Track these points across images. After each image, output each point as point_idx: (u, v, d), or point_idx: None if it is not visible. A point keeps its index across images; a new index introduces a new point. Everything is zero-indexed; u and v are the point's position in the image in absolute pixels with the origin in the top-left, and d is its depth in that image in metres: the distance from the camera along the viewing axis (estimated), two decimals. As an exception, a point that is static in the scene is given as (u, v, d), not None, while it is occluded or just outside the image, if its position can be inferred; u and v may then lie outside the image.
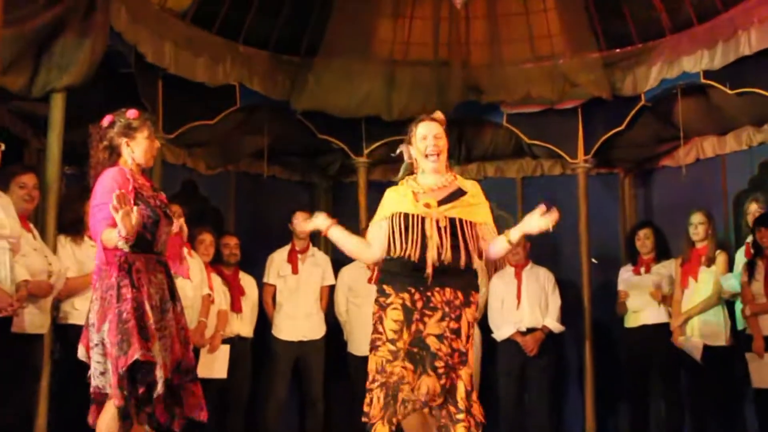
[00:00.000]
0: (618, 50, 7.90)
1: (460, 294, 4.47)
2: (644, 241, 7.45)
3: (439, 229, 4.46)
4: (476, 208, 4.58)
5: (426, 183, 4.62)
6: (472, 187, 4.64)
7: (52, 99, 6.00)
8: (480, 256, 4.61)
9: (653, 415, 7.51)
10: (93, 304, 4.29)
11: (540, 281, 7.58)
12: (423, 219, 4.47)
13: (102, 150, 4.40)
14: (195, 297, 6.59)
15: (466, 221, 4.51)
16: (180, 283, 6.27)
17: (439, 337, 4.39)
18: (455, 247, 4.47)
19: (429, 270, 4.42)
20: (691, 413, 7.22)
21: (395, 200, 4.61)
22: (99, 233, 4.21)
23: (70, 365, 4.65)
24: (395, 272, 4.51)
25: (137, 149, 4.45)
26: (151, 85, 7.05)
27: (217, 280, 7.03)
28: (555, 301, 7.58)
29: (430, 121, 4.68)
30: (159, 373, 4.17)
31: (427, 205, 4.51)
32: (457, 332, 4.42)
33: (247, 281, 7.36)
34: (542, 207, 4.48)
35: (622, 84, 7.84)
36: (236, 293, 7.21)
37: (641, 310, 7.34)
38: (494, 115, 8.21)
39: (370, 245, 4.64)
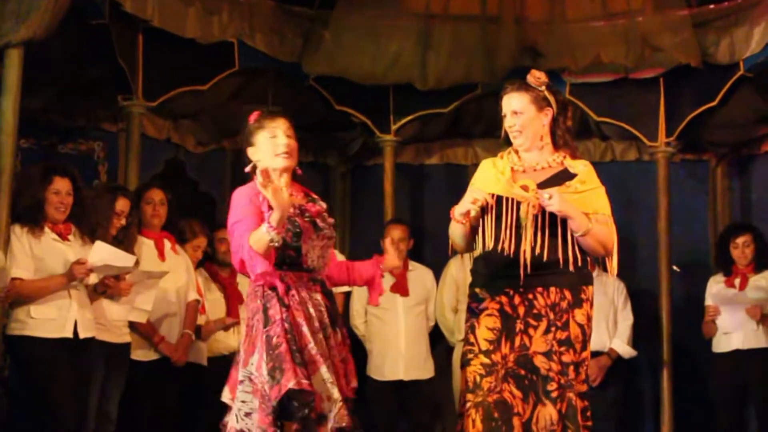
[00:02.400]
0: (712, 6, 7.85)
1: (567, 293, 4.48)
2: (743, 249, 7.43)
3: (536, 217, 4.45)
4: (587, 195, 4.53)
5: (528, 159, 4.62)
6: (583, 169, 4.59)
7: (6, 55, 5.99)
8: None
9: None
10: (241, 337, 4.55)
11: (608, 293, 7.56)
12: (518, 204, 4.46)
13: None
14: (179, 303, 6.58)
15: None
16: (162, 284, 6.28)
17: (547, 355, 4.43)
18: (554, 241, 4.44)
19: (523, 267, 4.41)
20: (795, 459, 7.20)
21: (491, 176, 4.59)
22: (244, 248, 4.34)
23: (27, 388, 4.64)
24: (489, 271, 4.54)
25: (257, 155, 4.60)
26: (129, 41, 7.07)
27: (208, 283, 7.00)
28: (626, 319, 7.59)
29: (512, 92, 4.64)
30: (327, 407, 4.35)
31: (525, 188, 4.48)
32: (566, 342, 4.44)
33: (246, 286, 7.32)
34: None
35: (716, 49, 7.81)
36: (232, 300, 7.17)
37: (734, 332, 7.32)
38: (555, 84, 8.13)
39: None
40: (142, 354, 6.37)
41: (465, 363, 4.51)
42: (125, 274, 5.91)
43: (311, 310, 4.46)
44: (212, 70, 7.58)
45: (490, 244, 4.50)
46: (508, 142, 4.69)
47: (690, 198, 8.52)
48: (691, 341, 7.89)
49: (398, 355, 7.49)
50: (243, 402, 4.38)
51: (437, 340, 7.72)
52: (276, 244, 4.25)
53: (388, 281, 7.47)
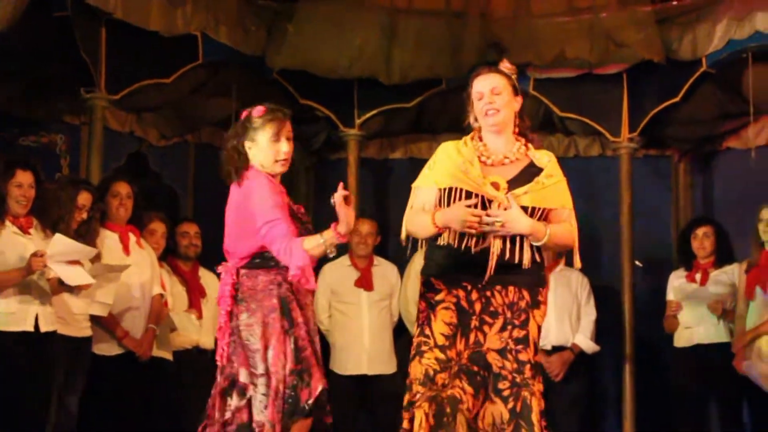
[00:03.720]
0: (675, 2, 7.90)
1: (526, 293, 4.48)
2: (702, 241, 7.45)
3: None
4: (552, 189, 4.55)
5: (494, 147, 4.59)
6: (548, 162, 4.59)
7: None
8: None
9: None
10: (253, 327, 4.54)
11: (572, 288, 7.61)
12: (489, 204, 4.45)
13: (231, 149, 4.64)
14: (143, 298, 6.59)
15: (539, 210, 4.48)
16: (126, 278, 6.29)
17: (502, 353, 4.43)
18: (518, 241, 4.44)
19: (491, 267, 4.42)
20: (756, 455, 7.26)
21: (456, 165, 4.55)
22: (285, 250, 4.40)
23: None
24: (447, 263, 4.51)
25: (259, 155, 4.62)
26: (92, 34, 7.03)
27: (170, 277, 7.00)
28: (589, 314, 7.62)
29: (489, 73, 4.65)
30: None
31: (496, 186, 4.49)
32: (524, 341, 4.44)
33: (208, 280, 7.35)
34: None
35: (679, 45, 7.84)
36: (195, 295, 7.23)
37: (696, 327, 7.36)
38: (519, 80, 8.15)
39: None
40: (105, 348, 6.39)
41: (418, 354, 4.47)
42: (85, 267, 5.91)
43: (310, 312, 4.64)
44: (176, 63, 7.55)
45: (453, 242, 4.46)
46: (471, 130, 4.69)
47: (653, 194, 8.55)
48: (653, 336, 7.94)
49: (362, 349, 7.50)
50: (263, 395, 4.51)
51: (399, 333, 7.73)
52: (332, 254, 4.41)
53: (352, 276, 7.51)
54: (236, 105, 8.11)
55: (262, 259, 4.56)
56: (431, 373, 4.42)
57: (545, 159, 4.60)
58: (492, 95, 4.58)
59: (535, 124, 8.51)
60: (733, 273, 7.34)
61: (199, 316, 7.18)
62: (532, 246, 4.46)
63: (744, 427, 7.35)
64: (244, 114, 4.74)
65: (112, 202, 6.54)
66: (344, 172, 8.44)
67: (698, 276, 7.43)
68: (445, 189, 4.52)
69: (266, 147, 4.60)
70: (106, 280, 6.17)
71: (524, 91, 4.74)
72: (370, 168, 8.96)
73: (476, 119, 4.65)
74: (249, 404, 4.54)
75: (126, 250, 6.52)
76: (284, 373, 4.48)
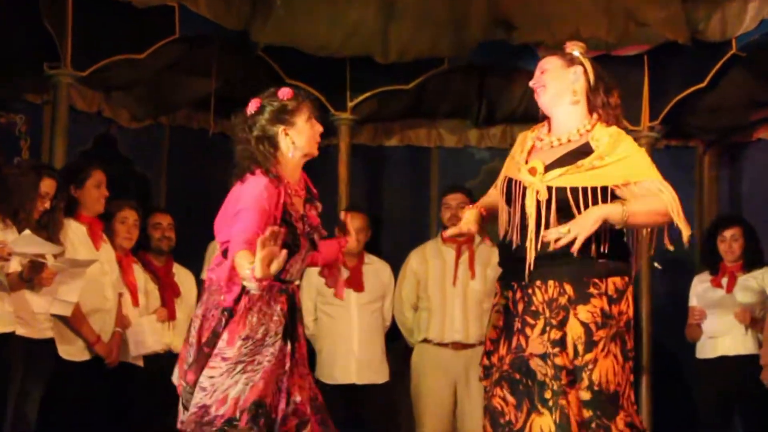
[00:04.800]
0: (702, -23, 7.89)
1: (568, 287, 4.46)
2: (731, 244, 7.43)
3: (538, 204, 4.47)
4: (609, 168, 4.51)
5: (558, 128, 4.66)
6: (606, 140, 4.55)
7: None
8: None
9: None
10: (195, 320, 4.62)
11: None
12: (525, 189, 4.51)
13: (255, 141, 4.62)
14: (115, 298, 6.59)
15: (584, 190, 4.46)
16: (93, 274, 6.25)
17: (544, 358, 4.41)
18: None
19: (529, 259, 4.45)
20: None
21: (516, 150, 4.72)
22: (234, 245, 4.38)
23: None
24: (501, 263, 4.66)
25: (298, 138, 4.64)
26: (57, 4, 7.02)
27: (140, 274, 6.98)
28: None
29: (548, 56, 4.76)
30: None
31: (532, 171, 4.53)
32: (560, 343, 4.41)
33: (183, 277, 7.34)
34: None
35: (706, 25, 7.83)
36: (168, 293, 7.20)
37: (721, 336, 7.36)
38: (529, 61, 8.12)
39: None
40: (73, 352, 6.34)
41: (480, 365, 4.67)
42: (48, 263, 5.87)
43: (269, 323, 4.56)
44: (150, 37, 7.51)
45: (502, 232, 4.60)
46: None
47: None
48: (673, 345, 7.96)
49: (351, 356, 7.46)
50: (190, 393, 4.55)
51: (394, 339, 7.72)
52: (252, 291, 4.35)
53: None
54: (216, 84, 8.11)
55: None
56: (483, 382, 4.60)
57: (604, 138, 4.55)
58: (539, 74, 4.68)
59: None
60: (762, 278, 7.36)
61: (172, 317, 7.15)
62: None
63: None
64: (255, 104, 4.67)
65: (93, 192, 6.48)
66: (334, 159, 8.43)
67: (724, 281, 7.42)
68: (504, 177, 4.68)
69: (304, 128, 4.64)
70: (70, 276, 6.10)
71: (598, 69, 4.71)
72: (363, 156, 8.95)
73: None
74: None
75: (96, 244, 6.48)
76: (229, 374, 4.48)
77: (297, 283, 4.60)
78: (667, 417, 8.09)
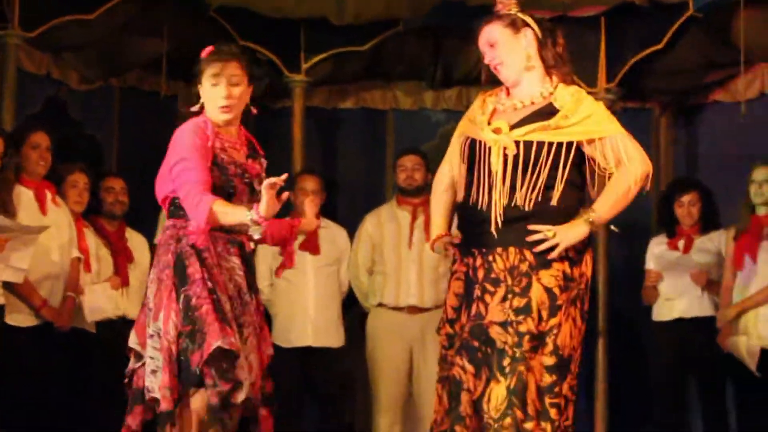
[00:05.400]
0: (658, -65, 7.89)
1: (528, 254, 4.42)
2: (689, 208, 7.46)
3: (505, 160, 4.44)
4: (576, 127, 4.48)
5: (517, 94, 4.60)
6: (569, 99, 4.52)
7: None
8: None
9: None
10: (151, 284, 4.65)
11: None
12: (490, 149, 4.47)
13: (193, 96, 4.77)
14: (62, 263, 6.52)
15: (550, 144, 4.44)
16: (44, 240, 6.20)
17: (504, 326, 4.38)
18: (535, 187, 4.42)
19: (494, 221, 4.41)
20: (739, 436, 7.33)
21: (472, 116, 4.65)
22: (190, 195, 4.48)
23: None
24: (462, 227, 4.61)
25: (203, 96, 4.71)
26: (3, -39, 6.92)
27: (92, 238, 6.93)
28: None
29: (484, 26, 4.63)
30: (243, 374, 4.48)
31: (497, 130, 4.49)
32: (524, 310, 4.38)
33: (136, 242, 7.31)
34: None
35: (663, -15, 7.82)
36: (121, 258, 7.16)
37: (677, 298, 7.41)
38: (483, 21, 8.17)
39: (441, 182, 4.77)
40: (20, 319, 6.29)
41: (437, 330, 4.65)
42: None
43: (227, 277, 4.58)
44: (100, -4, 7.47)
45: (461, 195, 4.57)
46: (493, 81, 4.69)
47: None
48: (629, 308, 8.01)
49: (306, 319, 7.47)
50: (151, 358, 4.54)
51: (350, 305, 7.72)
52: (255, 236, 4.44)
53: (297, 239, 7.45)
54: (167, 46, 8.05)
55: (174, 207, 4.64)
56: (442, 351, 4.52)
57: (566, 98, 4.52)
58: (490, 50, 4.58)
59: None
60: (719, 240, 7.37)
61: (125, 283, 7.11)
62: (544, 187, 4.43)
63: (726, 407, 7.39)
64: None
65: (31, 154, 6.42)
66: (288, 122, 8.43)
67: (681, 243, 7.45)
68: (463, 139, 4.61)
69: (207, 92, 4.67)
70: (21, 242, 6.05)
71: (539, 20, 4.66)
72: (318, 118, 8.91)
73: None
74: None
75: (42, 208, 6.41)
76: (174, 334, 4.48)
77: (252, 235, 4.51)
78: (623, 380, 8.13)
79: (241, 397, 4.46)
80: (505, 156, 4.44)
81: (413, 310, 7.32)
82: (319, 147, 8.99)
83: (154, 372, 4.52)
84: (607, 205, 4.49)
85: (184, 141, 4.59)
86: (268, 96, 8.81)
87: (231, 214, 4.43)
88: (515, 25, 4.58)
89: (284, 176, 4.34)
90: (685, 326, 7.36)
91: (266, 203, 4.26)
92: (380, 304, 7.43)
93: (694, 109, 8.67)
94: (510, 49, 4.56)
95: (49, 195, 6.48)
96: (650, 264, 7.57)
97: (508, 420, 4.33)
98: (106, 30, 7.73)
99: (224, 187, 4.56)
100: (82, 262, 6.71)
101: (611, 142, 4.49)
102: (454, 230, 4.78)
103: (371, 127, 9.13)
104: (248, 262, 4.72)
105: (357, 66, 8.73)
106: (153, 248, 7.24)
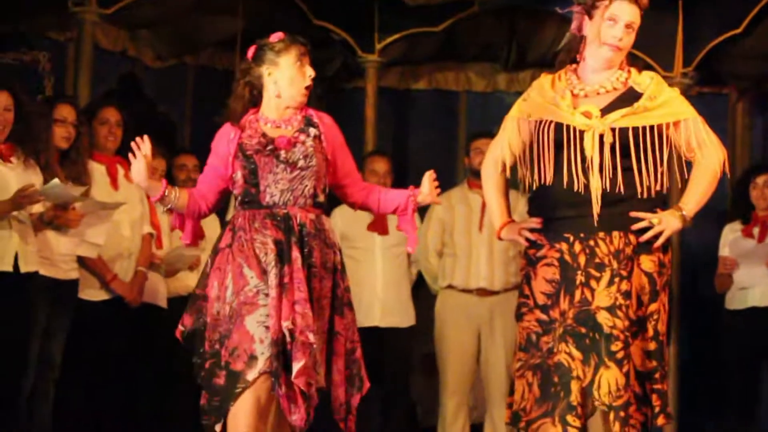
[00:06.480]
0: None
1: (632, 237, 4.44)
2: (763, 190, 7.39)
3: (601, 146, 4.44)
4: (661, 109, 4.50)
5: (591, 80, 4.59)
6: (650, 83, 4.55)
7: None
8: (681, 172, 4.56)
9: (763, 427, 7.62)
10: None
11: None
12: (582, 134, 4.47)
13: (242, 87, 4.84)
14: (134, 238, 6.58)
15: (644, 128, 4.46)
16: (115, 216, 6.28)
17: (611, 310, 4.37)
18: (629, 170, 4.44)
19: (596, 207, 4.41)
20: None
21: (546, 98, 4.60)
22: None
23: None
24: (547, 213, 4.55)
25: (281, 78, 4.74)
26: (82, -60, 7.00)
27: (165, 217, 7.00)
28: None
29: (631, 2, 4.57)
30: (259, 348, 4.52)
31: (587, 114, 4.49)
32: (630, 295, 4.39)
33: (207, 219, 7.34)
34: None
35: (744, -33, 7.78)
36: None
37: (753, 287, 7.33)
38: (560, 3, 8.08)
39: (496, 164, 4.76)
40: (92, 293, 6.36)
41: (518, 317, 4.58)
42: (74, 204, 5.90)
43: (257, 251, 4.65)
44: (176, -26, 7.55)
45: (548, 179, 4.52)
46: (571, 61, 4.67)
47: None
48: (703, 295, 7.97)
49: (374, 298, 7.48)
50: None
51: (419, 287, 7.74)
52: (163, 211, 4.85)
53: (365, 219, 7.46)
54: (242, 24, 8.10)
55: None
56: (533, 337, 4.48)
57: (647, 81, 4.56)
58: (625, 29, 4.55)
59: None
60: (796, 228, 7.32)
61: (197, 261, 7.18)
62: (653, 172, 4.44)
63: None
64: (252, 50, 4.84)
65: (100, 129, 6.46)
66: (361, 102, 8.46)
67: (756, 230, 7.37)
68: (536, 121, 4.56)
69: (289, 69, 4.72)
70: (96, 218, 6.11)
71: (564, 17, 4.71)
72: (390, 99, 8.94)
73: (581, 29, 4.63)
74: None
75: (114, 184, 6.47)
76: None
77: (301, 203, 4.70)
78: (695, 370, 8.11)
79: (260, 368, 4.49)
80: (601, 142, 4.44)
81: (482, 292, 7.31)
82: (391, 128, 9.02)
83: None
84: (693, 200, 4.54)
85: (214, 143, 4.97)
86: (341, 76, 8.88)
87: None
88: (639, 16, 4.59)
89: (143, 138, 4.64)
90: (759, 315, 7.30)
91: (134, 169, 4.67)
92: (449, 286, 7.43)
93: (772, 95, 8.62)
94: (632, 43, 4.60)
95: (121, 170, 6.51)
96: (724, 251, 7.50)
97: (626, 405, 4.34)
98: (180, 8, 7.82)
99: (246, 166, 4.71)
100: (154, 238, 6.78)
101: (693, 125, 4.52)
102: (524, 216, 4.79)
103: (444, 109, 9.15)
104: (289, 232, 4.68)
105: (430, 47, 8.75)
106: (224, 225, 7.34)
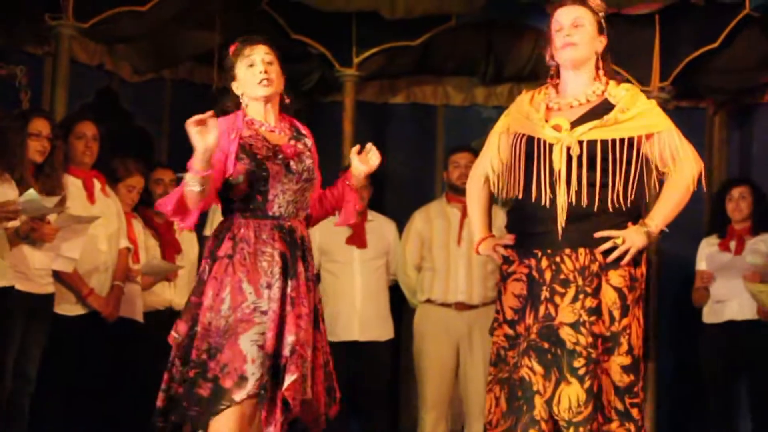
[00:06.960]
0: (715, -71, 7.85)
1: (598, 255, 4.41)
2: (738, 203, 7.44)
3: (569, 160, 4.43)
4: (634, 121, 4.48)
5: (570, 92, 4.58)
6: (624, 95, 4.53)
7: None
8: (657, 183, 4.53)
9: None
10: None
11: None
12: (551, 147, 4.46)
13: (230, 98, 4.85)
14: (110, 252, 6.56)
15: (614, 141, 4.43)
16: (91, 230, 6.26)
17: (575, 326, 4.36)
18: (598, 185, 4.42)
19: (560, 221, 4.41)
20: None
21: (523, 112, 4.60)
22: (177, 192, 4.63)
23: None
24: (519, 229, 4.56)
25: (243, 87, 4.78)
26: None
27: (141, 229, 7.00)
28: None
29: (572, 5, 4.58)
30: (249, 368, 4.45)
31: (557, 127, 4.47)
32: (597, 311, 4.37)
33: (184, 233, 7.34)
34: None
35: (719, -18, 7.79)
36: (169, 250, 7.21)
37: (729, 301, 7.37)
38: (537, 17, 8.10)
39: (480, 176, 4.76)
40: (67, 308, 6.35)
41: (490, 331, 4.59)
42: (49, 216, 5.88)
43: (263, 264, 4.57)
44: (153, -11, 7.52)
45: (519, 193, 4.53)
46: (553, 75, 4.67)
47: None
48: (680, 310, 7.98)
49: (353, 312, 7.49)
50: None
51: (400, 301, 7.73)
52: (197, 189, 4.45)
53: (344, 233, 7.47)
54: (220, 38, 8.07)
55: None
56: (501, 352, 4.49)
57: (621, 93, 4.53)
58: (572, 28, 4.54)
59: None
60: (772, 241, 7.33)
61: (174, 273, 7.17)
62: (616, 184, 4.42)
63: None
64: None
65: (77, 144, 6.45)
66: (339, 116, 8.44)
67: (733, 244, 7.42)
68: (513, 135, 4.58)
69: (245, 76, 4.73)
70: (72, 232, 6.10)
71: (609, 33, 4.66)
72: (368, 113, 8.93)
73: (553, 57, 4.62)
74: None
75: (91, 198, 6.44)
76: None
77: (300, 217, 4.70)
78: (672, 383, 8.11)
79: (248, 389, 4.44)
80: (569, 155, 4.43)
81: (461, 306, 7.31)
82: (369, 141, 8.99)
83: None
84: (660, 216, 4.52)
85: None
86: (319, 90, 8.87)
87: (186, 182, 4.53)
88: (599, 27, 4.57)
89: (209, 113, 4.44)
90: (736, 329, 7.33)
91: (195, 145, 4.42)
92: (428, 300, 7.43)
93: (749, 109, 8.63)
94: (589, 39, 4.54)
95: (97, 184, 6.51)
96: (701, 265, 7.54)
97: (586, 421, 4.32)
98: (158, 22, 7.77)
99: (256, 171, 4.59)
100: (131, 252, 6.77)
101: (668, 137, 4.49)
102: (502, 231, 4.79)
103: (421, 123, 9.16)
104: (292, 245, 4.66)
105: (408, 61, 8.76)
106: (202, 240, 7.34)
